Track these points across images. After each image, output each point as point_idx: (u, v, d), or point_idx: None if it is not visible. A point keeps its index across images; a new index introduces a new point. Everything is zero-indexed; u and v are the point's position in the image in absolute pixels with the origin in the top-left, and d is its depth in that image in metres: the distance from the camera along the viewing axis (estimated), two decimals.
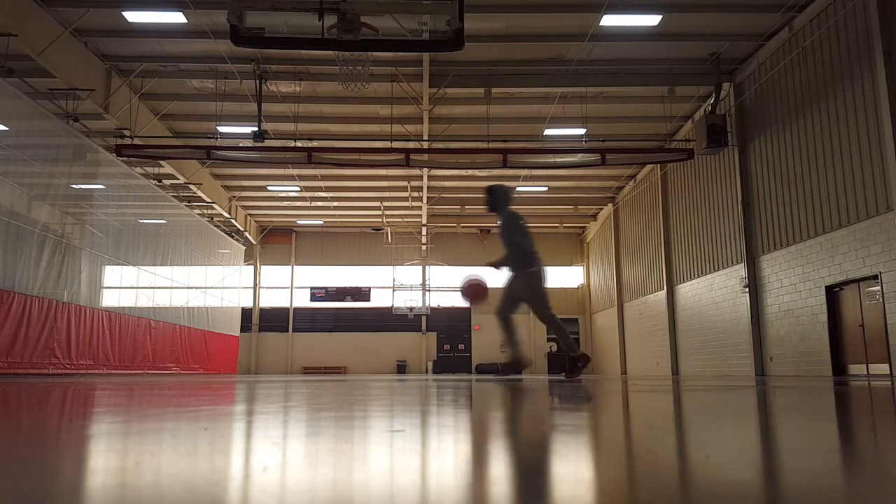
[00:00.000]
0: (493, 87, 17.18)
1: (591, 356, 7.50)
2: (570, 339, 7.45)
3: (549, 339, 32.93)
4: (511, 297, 7.48)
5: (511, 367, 7.45)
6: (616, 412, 2.13)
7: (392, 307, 31.24)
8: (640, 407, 2.41)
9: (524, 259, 7.36)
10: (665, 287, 22.32)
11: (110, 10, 14.04)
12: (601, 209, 29.51)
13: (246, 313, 30.66)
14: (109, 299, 15.79)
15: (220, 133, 19.70)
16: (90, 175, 15.04)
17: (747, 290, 16.91)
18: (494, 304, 7.70)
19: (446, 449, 1.16)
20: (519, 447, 1.18)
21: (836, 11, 13.43)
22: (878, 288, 12.51)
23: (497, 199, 7.59)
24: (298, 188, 25.85)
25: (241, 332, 27.72)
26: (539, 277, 7.43)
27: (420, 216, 29.53)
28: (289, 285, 33.15)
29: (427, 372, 31.22)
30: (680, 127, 20.52)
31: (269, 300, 33.01)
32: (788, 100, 15.34)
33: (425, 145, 19.73)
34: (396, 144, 19.01)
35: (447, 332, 32.76)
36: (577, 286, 33.50)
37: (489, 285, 7.65)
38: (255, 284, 32.64)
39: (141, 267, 17.46)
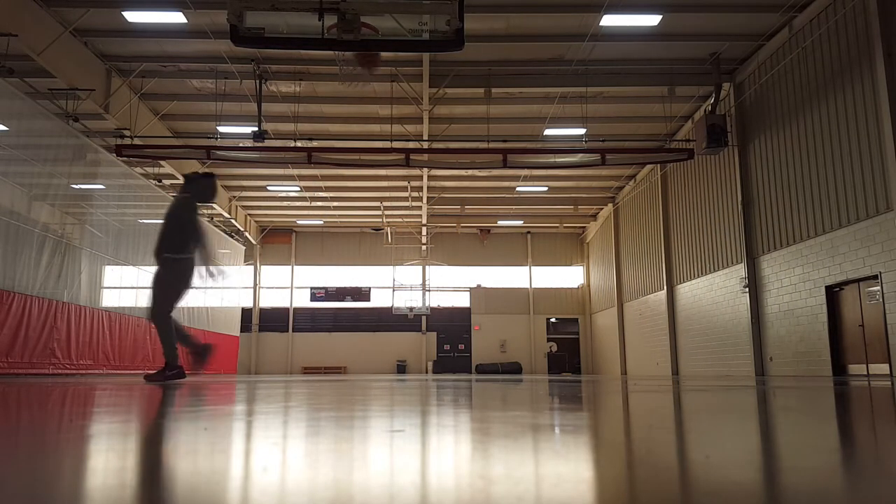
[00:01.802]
0: (493, 87, 17.18)
1: (185, 374, 6.80)
2: (174, 350, 6.69)
3: (549, 339, 32.96)
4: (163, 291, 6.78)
5: (163, 375, 6.62)
6: (616, 412, 2.13)
7: (392, 307, 31.24)
8: (640, 407, 2.41)
9: (172, 246, 6.80)
10: (665, 287, 22.32)
11: (110, 10, 14.04)
12: (601, 209, 29.51)
13: (246, 313, 30.65)
14: (109, 299, 15.78)
15: (220, 133, 19.70)
16: (90, 175, 15.03)
17: (747, 290, 16.90)
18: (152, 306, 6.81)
19: (446, 448, 1.16)
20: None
21: (836, 11, 13.43)
22: (878, 288, 12.51)
23: (194, 183, 7.07)
24: (298, 188, 25.85)
25: (241, 332, 27.71)
26: (179, 270, 6.80)
27: (420, 216, 29.53)
28: (289, 285, 33.15)
29: (427, 372, 31.22)
30: (680, 127, 20.52)
31: (269, 300, 33.00)
32: (788, 100, 15.34)
33: (425, 145, 19.72)
34: (396, 144, 19.00)
35: (447, 332, 32.76)
36: (577, 286, 33.50)
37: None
38: (255, 284, 32.64)
39: (141, 267, 17.46)
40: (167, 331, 6.69)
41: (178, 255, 6.83)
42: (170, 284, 6.80)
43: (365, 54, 7.02)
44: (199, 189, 7.08)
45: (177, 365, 6.65)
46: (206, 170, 7.61)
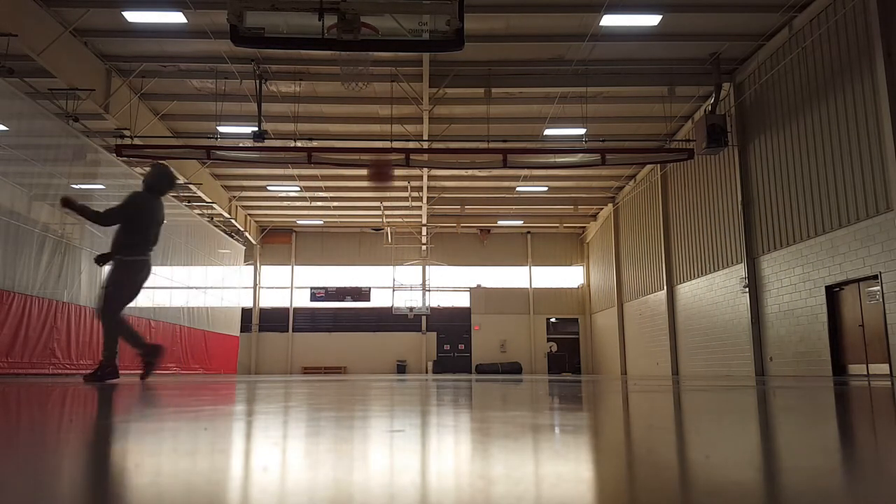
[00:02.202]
0: (493, 87, 17.18)
1: (164, 349, 6.82)
2: (141, 340, 6.63)
3: (549, 339, 32.95)
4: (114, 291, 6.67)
5: (101, 375, 6.49)
6: (616, 412, 2.13)
7: (392, 307, 31.24)
8: (640, 407, 2.41)
9: (128, 247, 6.70)
10: (665, 287, 22.32)
11: (110, 10, 14.04)
12: (601, 209, 29.51)
13: (246, 313, 30.65)
14: None
15: (220, 133, 19.70)
16: (90, 175, 15.02)
17: (747, 290, 16.90)
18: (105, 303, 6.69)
19: (446, 449, 1.16)
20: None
21: (836, 11, 13.43)
22: (878, 288, 12.51)
23: (148, 179, 6.95)
24: (298, 188, 25.85)
25: (241, 332, 27.71)
26: (134, 271, 6.68)
27: (420, 216, 29.53)
28: (289, 285, 33.15)
29: (427, 372, 31.22)
30: (680, 127, 20.52)
31: (269, 300, 33.00)
32: (788, 100, 15.34)
33: (425, 145, 19.72)
34: (396, 144, 19.01)
35: (447, 332, 32.76)
36: (577, 286, 33.50)
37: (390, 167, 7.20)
38: (255, 284, 32.64)
39: None
40: (114, 331, 6.60)
41: (135, 257, 6.77)
42: (124, 286, 6.72)
43: (379, 172, 7.08)
44: (154, 182, 7.01)
45: (113, 364, 6.54)
46: (158, 162, 7.48)
